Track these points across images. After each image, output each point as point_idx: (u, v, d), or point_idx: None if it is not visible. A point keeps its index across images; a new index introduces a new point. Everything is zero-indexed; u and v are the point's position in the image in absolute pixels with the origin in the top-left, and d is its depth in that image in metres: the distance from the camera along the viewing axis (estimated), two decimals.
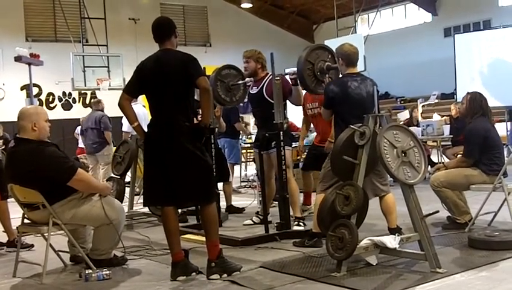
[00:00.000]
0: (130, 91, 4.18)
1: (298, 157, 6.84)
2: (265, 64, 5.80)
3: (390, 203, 4.70)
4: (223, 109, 6.66)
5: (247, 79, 5.88)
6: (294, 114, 7.98)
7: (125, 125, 8.94)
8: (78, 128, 11.06)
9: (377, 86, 4.62)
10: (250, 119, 13.60)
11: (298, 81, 5.18)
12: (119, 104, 4.13)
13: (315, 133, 6.67)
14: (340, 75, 4.86)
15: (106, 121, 9.23)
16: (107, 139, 9.25)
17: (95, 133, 9.22)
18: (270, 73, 5.65)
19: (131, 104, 4.24)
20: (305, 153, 6.94)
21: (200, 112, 4.06)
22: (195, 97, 4.29)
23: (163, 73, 3.99)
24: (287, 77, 5.40)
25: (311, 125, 6.75)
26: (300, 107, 6.26)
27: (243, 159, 10.96)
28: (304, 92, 5.59)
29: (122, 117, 8.55)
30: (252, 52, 5.78)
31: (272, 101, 5.30)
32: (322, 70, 5.00)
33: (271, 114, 5.24)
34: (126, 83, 4.45)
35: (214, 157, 5.71)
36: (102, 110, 9.56)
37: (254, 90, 5.75)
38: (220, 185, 6.53)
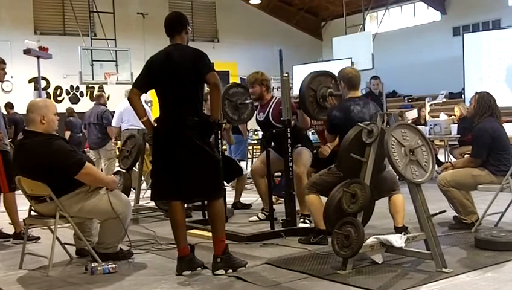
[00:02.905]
0: (140, 85, 4.18)
1: None
2: (270, 85, 5.85)
3: (399, 202, 4.68)
4: None
5: (255, 103, 5.93)
6: None
7: (114, 121, 9.08)
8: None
9: (381, 110, 4.62)
10: None
11: None
12: (129, 99, 4.18)
13: None
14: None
15: (108, 116, 9.21)
16: (110, 134, 9.25)
17: (97, 128, 9.18)
18: (275, 96, 5.75)
19: None
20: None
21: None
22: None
23: (172, 68, 3.99)
24: (292, 100, 5.39)
25: None
26: None
27: (249, 156, 10.94)
28: None
29: None
30: (255, 76, 5.78)
31: (280, 126, 5.26)
32: (324, 97, 5.05)
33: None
34: (134, 77, 4.48)
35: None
36: (104, 104, 9.54)
37: (261, 117, 5.81)
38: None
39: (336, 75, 4.92)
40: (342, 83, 4.74)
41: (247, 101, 6.09)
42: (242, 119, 6.34)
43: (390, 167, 4.48)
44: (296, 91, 5.73)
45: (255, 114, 6.05)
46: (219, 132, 5.77)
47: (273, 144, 5.55)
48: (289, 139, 5.14)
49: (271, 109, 5.69)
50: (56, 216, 4.13)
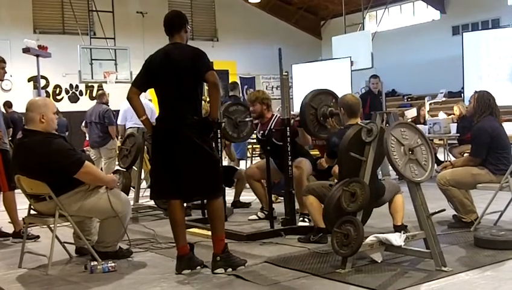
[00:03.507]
0: (139, 85, 4.18)
1: None
2: (270, 104, 5.88)
3: (399, 202, 4.72)
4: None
5: (255, 121, 5.96)
6: None
7: (119, 119, 9.22)
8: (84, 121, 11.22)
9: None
10: None
11: None
12: (128, 98, 4.16)
13: None
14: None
15: (110, 115, 9.24)
16: (111, 133, 9.27)
17: (98, 127, 9.20)
18: (275, 114, 5.80)
19: None
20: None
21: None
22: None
23: (171, 67, 3.99)
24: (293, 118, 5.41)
25: None
26: None
27: (248, 155, 10.93)
28: None
29: None
30: (256, 94, 5.84)
31: (280, 143, 5.26)
32: (324, 116, 5.07)
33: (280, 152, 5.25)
34: (133, 76, 4.48)
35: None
36: (106, 103, 9.57)
37: (261, 135, 5.79)
38: None
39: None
40: (342, 110, 4.77)
41: (247, 119, 6.14)
42: (241, 137, 6.43)
43: (388, 179, 4.52)
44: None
45: (255, 132, 6.10)
46: (218, 131, 5.78)
47: (272, 160, 5.56)
48: (288, 138, 5.15)
49: (271, 128, 5.69)
50: (55, 215, 4.13)
